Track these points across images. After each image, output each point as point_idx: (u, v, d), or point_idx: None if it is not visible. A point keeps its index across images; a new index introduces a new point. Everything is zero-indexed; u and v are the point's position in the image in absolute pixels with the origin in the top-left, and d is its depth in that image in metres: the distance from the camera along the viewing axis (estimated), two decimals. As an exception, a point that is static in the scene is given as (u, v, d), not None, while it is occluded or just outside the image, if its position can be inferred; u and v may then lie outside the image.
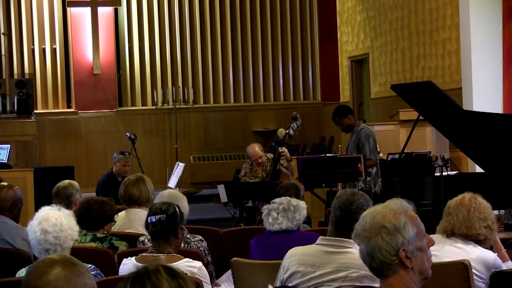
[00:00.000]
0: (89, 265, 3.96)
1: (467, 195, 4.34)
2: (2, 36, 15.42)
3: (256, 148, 9.20)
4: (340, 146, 12.08)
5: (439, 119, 8.49)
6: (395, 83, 10.74)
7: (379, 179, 8.83)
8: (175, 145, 15.59)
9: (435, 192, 7.88)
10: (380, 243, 2.77)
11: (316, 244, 3.99)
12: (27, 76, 15.36)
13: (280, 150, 8.89)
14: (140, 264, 4.25)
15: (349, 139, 9.25)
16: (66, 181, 6.26)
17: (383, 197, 3.05)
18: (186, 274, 2.40)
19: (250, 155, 9.23)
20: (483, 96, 10.80)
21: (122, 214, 6.07)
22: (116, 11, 16.13)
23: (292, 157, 9.61)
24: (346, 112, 8.97)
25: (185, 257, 4.34)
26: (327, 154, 10.87)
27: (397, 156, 8.86)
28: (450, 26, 12.62)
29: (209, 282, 4.43)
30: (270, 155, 9.33)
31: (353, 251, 3.72)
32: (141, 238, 5.23)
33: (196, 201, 13.21)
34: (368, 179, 8.73)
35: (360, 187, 8.59)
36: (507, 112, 10.63)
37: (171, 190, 5.92)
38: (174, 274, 2.35)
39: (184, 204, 5.23)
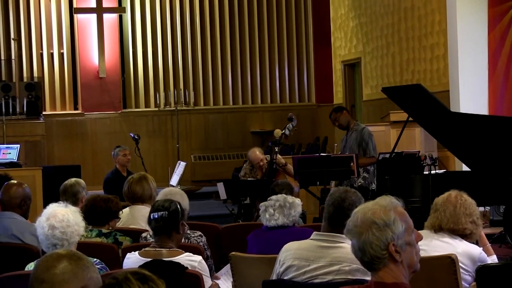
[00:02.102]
0: (95, 259, 3.96)
1: (453, 193, 4.35)
2: (12, 41, 15.41)
3: (257, 153, 9.08)
4: (335, 145, 12.07)
5: (428, 120, 8.49)
6: (386, 86, 10.71)
7: (375, 177, 8.84)
8: (177, 145, 15.59)
9: (424, 190, 7.88)
10: (371, 238, 2.78)
11: (311, 239, 4.00)
12: (36, 80, 15.35)
13: (274, 160, 8.88)
14: (143, 258, 4.26)
15: (344, 138, 9.25)
16: (73, 179, 6.26)
17: (378, 195, 3.06)
18: (156, 275, 2.35)
19: (252, 159, 9.11)
20: (469, 99, 10.80)
21: (126, 210, 6.07)
22: (120, 17, 16.13)
23: (288, 156, 9.61)
24: (341, 108, 9.13)
25: (185, 251, 4.34)
26: (321, 154, 10.87)
27: (387, 155, 8.85)
28: (438, 32, 12.62)
29: (208, 275, 4.44)
30: (267, 156, 9.33)
31: (345, 245, 3.73)
32: (144, 234, 5.23)
33: (197, 198, 13.20)
34: (367, 176, 8.73)
35: (359, 183, 8.58)
36: (492, 113, 10.64)
37: (172, 188, 5.92)
38: (144, 278, 2.30)
39: (184, 201, 5.24)
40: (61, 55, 15.81)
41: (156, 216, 4.36)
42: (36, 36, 15.67)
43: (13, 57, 15.48)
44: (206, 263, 4.47)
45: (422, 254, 3.01)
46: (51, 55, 15.79)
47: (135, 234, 5.41)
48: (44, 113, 15.11)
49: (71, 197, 6.00)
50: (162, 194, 5.39)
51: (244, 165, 9.50)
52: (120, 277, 2.29)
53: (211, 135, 16.50)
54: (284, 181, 7.12)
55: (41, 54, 15.73)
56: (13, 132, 14.02)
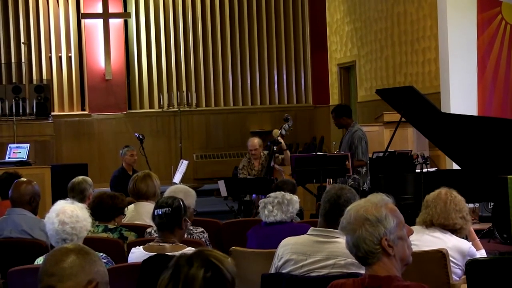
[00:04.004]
0: (101, 254, 3.96)
1: (443, 190, 4.36)
2: (22, 45, 15.40)
3: (255, 141, 9.35)
4: (334, 143, 12.06)
5: (420, 120, 8.50)
6: (380, 88, 10.73)
7: (367, 178, 8.84)
8: (180, 145, 15.59)
9: (416, 187, 7.89)
10: (364, 234, 2.78)
11: (308, 234, 4.00)
12: (45, 82, 15.34)
13: (276, 148, 8.91)
14: (147, 253, 4.26)
15: (342, 137, 9.26)
16: (80, 177, 6.26)
17: (371, 193, 3.06)
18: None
19: (248, 145, 9.36)
20: (459, 100, 10.80)
21: (131, 207, 6.06)
22: (126, 22, 16.13)
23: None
24: (341, 114, 9.04)
25: (188, 246, 4.34)
26: (318, 153, 10.88)
27: (381, 154, 8.86)
28: (429, 36, 12.62)
29: (210, 269, 4.42)
30: (265, 152, 9.36)
31: (341, 240, 3.73)
32: (148, 229, 5.23)
33: (198, 195, 13.01)
34: (357, 177, 8.74)
35: (349, 184, 8.59)
36: (481, 114, 10.65)
37: (182, 186, 5.88)
38: (210, 280, 2.09)
39: (191, 198, 5.26)
40: (69, 58, 15.81)
41: (160, 213, 4.36)
42: (45, 40, 15.67)
43: (23, 60, 15.47)
44: (208, 258, 4.46)
45: (414, 248, 3.02)
46: (59, 59, 15.78)
47: (139, 230, 5.41)
48: (52, 114, 15.10)
49: (79, 194, 6.00)
50: (171, 192, 5.34)
51: (243, 159, 9.56)
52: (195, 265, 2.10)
53: (212, 135, 16.50)
54: (288, 179, 7.14)
55: (50, 58, 15.73)
56: (23, 132, 14.01)
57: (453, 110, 10.30)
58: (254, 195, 8.69)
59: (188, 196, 5.28)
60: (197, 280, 2.05)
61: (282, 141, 9.01)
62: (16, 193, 5.44)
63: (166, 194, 5.19)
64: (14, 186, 5.51)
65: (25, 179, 5.69)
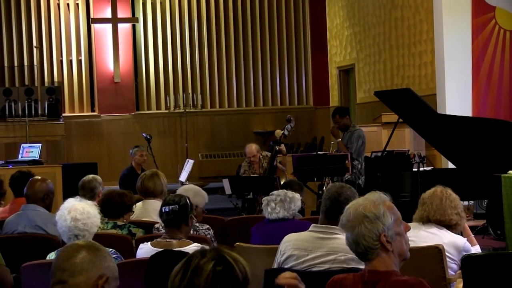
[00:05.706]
0: (111, 249, 3.96)
1: (438, 188, 4.37)
2: (35, 49, 15.41)
3: (252, 148, 9.32)
4: (332, 142, 12.05)
5: (417, 121, 8.50)
6: (378, 90, 10.72)
7: (362, 176, 8.89)
8: (186, 144, 15.59)
9: (413, 185, 7.88)
10: (364, 231, 2.79)
11: (309, 231, 4.00)
12: (56, 84, 15.35)
13: (278, 148, 8.92)
14: (155, 248, 4.26)
15: (341, 138, 9.29)
16: (90, 176, 6.27)
17: (367, 190, 3.06)
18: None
19: (246, 152, 9.39)
20: (454, 102, 10.80)
21: (139, 204, 6.07)
22: (134, 27, 16.14)
23: (287, 154, 9.63)
24: (345, 113, 9.34)
25: (194, 242, 4.34)
26: (318, 152, 10.88)
27: (379, 154, 8.86)
28: (426, 40, 12.62)
29: (215, 264, 4.42)
30: (267, 153, 9.36)
31: (341, 237, 3.72)
32: (156, 226, 5.24)
33: (204, 193, 13.13)
34: (354, 171, 8.78)
35: (346, 178, 8.62)
36: (475, 115, 10.65)
37: (194, 186, 5.85)
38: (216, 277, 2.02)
39: (200, 195, 5.26)
40: (79, 62, 15.82)
41: (167, 210, 4.36)
42: (56, 44, 15.68)
43: (35, 63, 15.48)
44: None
45: (411, 244, 3.02)
46: (70, 62, 15.80)
47: (147, 226, 5.41)
48: (63, 115, 15.11)
49: (89, 192, 6.01)
50: (183, 190, 5.32)
51: (243, 163, 9.54)
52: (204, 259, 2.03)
53: (217, 135, 16.50)
54: (296, 180, 7.17)
55: (61, 61, 15.75)
56: (35, 132, 14.03)
57: (449, 111, 10.30)
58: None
59: (197, 195, 5.29)
60: (205, 271, 2.01)
61: (283, 146, 9.02)
62: (31, 190, 5.46)
63: (179, 192, 5.18)
64: (29, 183, 5.52)
65: (39, 177, 5.70)
